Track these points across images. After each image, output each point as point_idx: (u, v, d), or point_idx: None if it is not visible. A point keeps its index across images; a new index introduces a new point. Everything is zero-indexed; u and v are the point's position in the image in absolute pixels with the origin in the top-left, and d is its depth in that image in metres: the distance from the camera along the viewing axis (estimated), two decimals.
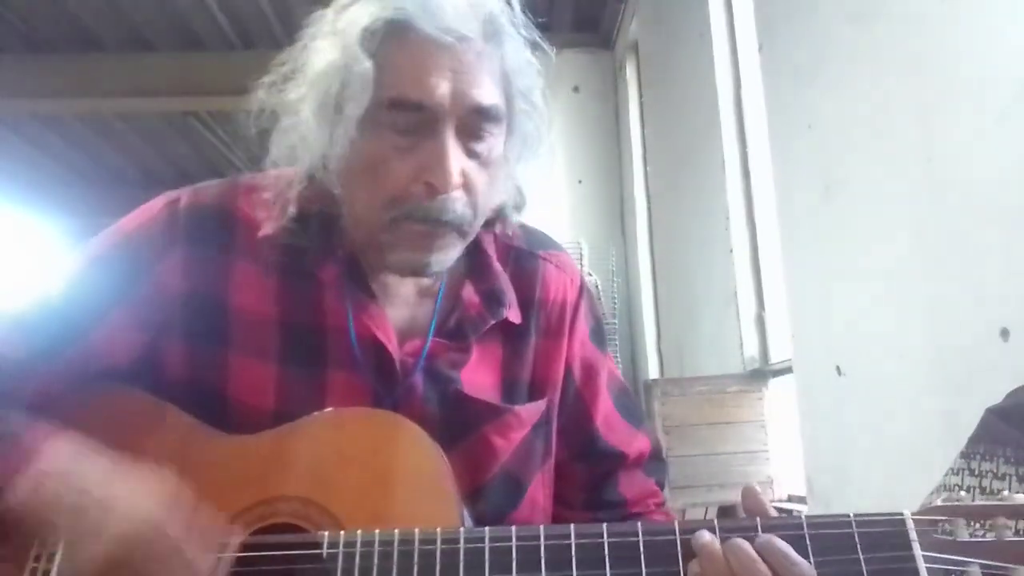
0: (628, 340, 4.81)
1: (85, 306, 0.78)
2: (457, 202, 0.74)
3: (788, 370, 2.65)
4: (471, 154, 0.75)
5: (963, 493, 0.65)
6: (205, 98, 5.46)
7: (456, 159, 0.73)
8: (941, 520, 0.64)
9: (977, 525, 0.63)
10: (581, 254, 4.58)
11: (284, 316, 0.80)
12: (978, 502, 0.64)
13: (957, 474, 1.02)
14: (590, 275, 4.56)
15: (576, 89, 5.11)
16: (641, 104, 4.75)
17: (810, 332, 2.43)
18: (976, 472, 1.00)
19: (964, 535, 0.63)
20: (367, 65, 0.71)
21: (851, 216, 2.10)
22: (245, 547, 0.69)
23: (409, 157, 0.73)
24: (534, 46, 0.81)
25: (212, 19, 4.97)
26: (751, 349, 3.08)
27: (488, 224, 0.86)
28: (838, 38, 2.14)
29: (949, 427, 1.58)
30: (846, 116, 2.11)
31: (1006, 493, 0.64)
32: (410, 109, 0.72)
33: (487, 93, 0.74)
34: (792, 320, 2.55)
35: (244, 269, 0.80)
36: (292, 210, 0.79)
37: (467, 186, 0.75)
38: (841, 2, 2.12)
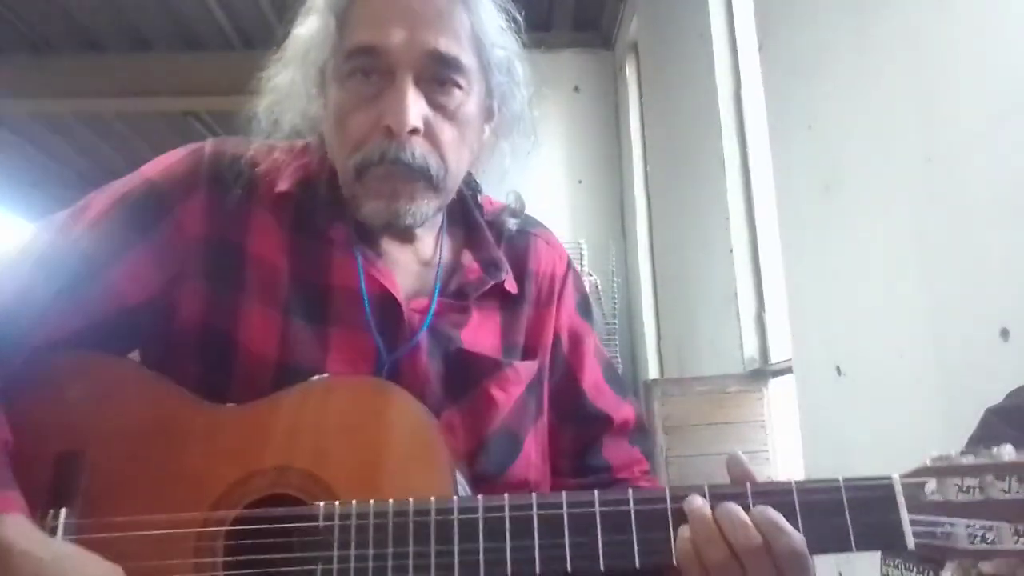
0: (628, 340, 4.81)
1: (106, 245, 0.79)
2: (417, 146, 0.76)
3: (788, 370, 2.65)
4: (436, 106, 0.78)
5: (953, 452, 0.66)
6: (205, 98, 5.45)
7: (414, 103, 0.75)
8: (929, 482, 0.64)
9: (966, 485, 0.63)
10: (581, 254, 4.58)
11: (293, 271, 0.82)
12: (967, 460, 0.64)
13: None
14: (590, 275, 4.56)
15: (576, 89, 5.11)
16: (641, 104, 4.75)
17: (810, 332, 2.43)
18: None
19: (953, 496, 0.63)
20: (331, 22, 0.77)
21: (851, 216, 2.10)
22: (240, 520, 0.70)
23: (372, 107, 0.77)
24: (514, 22, 0.84)
25: (212, 19, 4.97)
26: (751, 349, 3.08)
27: (479, 204, 0.92)
28: (838, 38, 2.14)
29: (949, 427, 1.58)
30: (846, 116, 2.11)
31: (995, 450, 0.64)
32: (367, 54, 0.76)
33: (446, 42, 0.77)
34: (792, 320, 2.55)
35: (262, 218, 0.83)
36: (302, 173, 0.84)
37: (430, 135, 0.78)
38: (841, 2, 2.12)
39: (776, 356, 2.95)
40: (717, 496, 0.66)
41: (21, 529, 0.65)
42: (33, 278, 0.77)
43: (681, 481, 2.89)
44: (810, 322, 2.42)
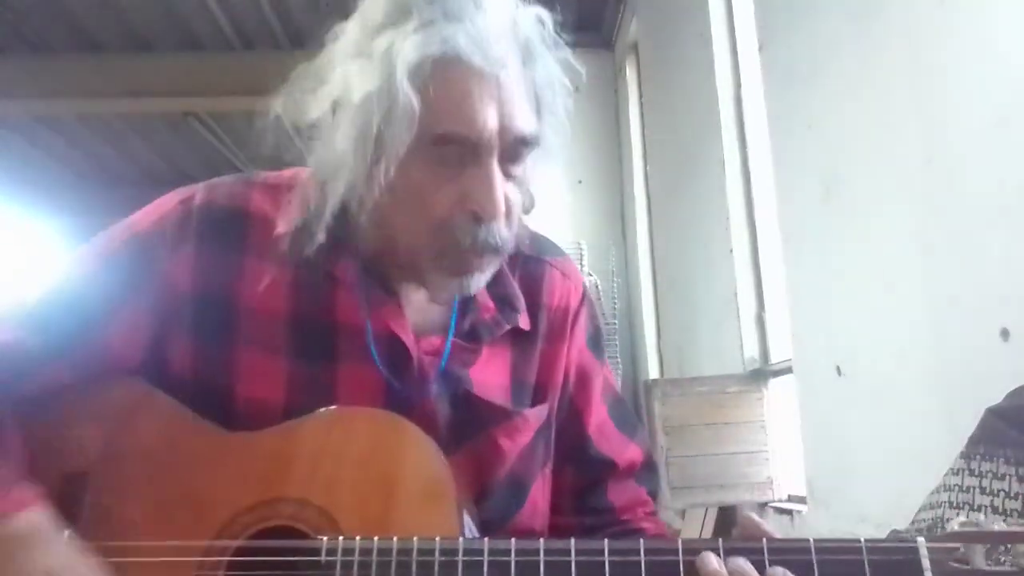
0: (628, 340, 4.81)
1: (97, 302, 0.78)
2: (502, 228, 0.74)
3: (788, 370, 2.65)
4: (509, 176, 0.75)
5: (982, 517, 0.63)
6: (205, 98, 5.46)
7: (501, 188, 0.73)
8: (957, 547, 0.61)
9: (997, 549, 0.61)
10: (581, 254, 4.58)
11: (295, 312, 0.80)
12: (997, 527, 0.61)
13: (957, 474, 1.02)
14: (590, 275, 4.56)
15: (576, 89, 5.10)
16: (641, 104, 4.75)
17: (810, 332, 2.43)
18: (976, 472, 1.00)
19: (982, 563, 0.60)
20: (415, 102, 0.69)
21: (851, 216, 2.10)
22: (243, 551, 0.70)
23: (452, 184, 0.73)
24: (565, 64, 0.81)
25: (212, 20, 4.98)
26: (751, 349, 3.08)
27: None
28: (838, 38, 2.14)
29: (949, 427, 1.58)
30: (846, 116, 2.11)
31: None
32: (458, 143, 0.72)
33: (528, 121, 0.74)
34: (792, 320, 2.55)
35: (256, 267, 0.80)
36: (310, 208, 0.79)
37: (508, 210, 0.75)
38: (841, 2, 2.12)
39: (776, 356, 2.95)
40: (731, 552, 0.64)
41: (32, 529, 0.67)
42: (26, 335, 0.75)
43: (681, 482, 2.89)
44: (810, 322, 2.42)
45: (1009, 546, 0.60)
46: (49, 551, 0.66)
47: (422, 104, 0.69)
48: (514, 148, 0.74)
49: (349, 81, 0.72)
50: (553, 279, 0.91)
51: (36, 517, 0.68)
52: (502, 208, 0.73)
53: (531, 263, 0.90)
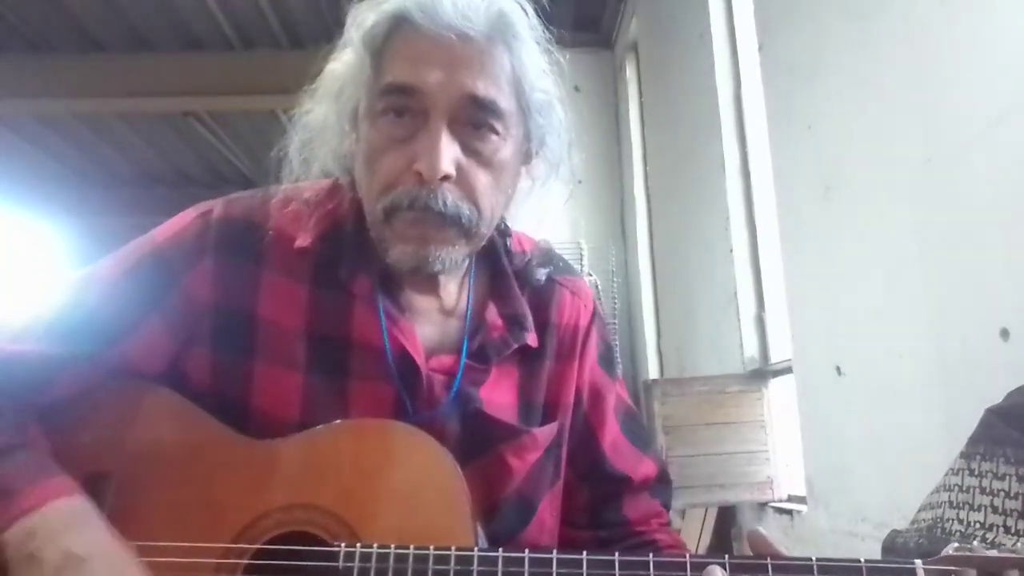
0: (628, 340, 4.81)
1: (118, 315, 0.79)
2: (448, 193, 0.74)
3: (788, 370, 2.65)
4: (470, 151, 0.75)
5: (976, 543, 0.65)
6: (205, 98, 5.46)
7: (447, 149, 0.73)
8: (953, 570, 0.63)
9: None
10: (581, 254, 4.58)
11: (311, 327, 0.81)
12: (991, 553, 0.64)
13: (957, 474, 1.02)
14: (590, 275, 4.56)
15: (576, 89, 5.11)
16: (641, 104, 4.75)
17: (810, 332, 2.43)
18: (976, 472, 1.00)
19: None
20: (367, 59, 0.75)
21: (851, 216, 2.10)
22: (261, 554, 0.71)
23: (404, 149, 0.75)
24: (550, 58, 0.81)
25: (212, 19, 4.97)
26: (751, 349, 3.08)
27: (509, 250, 0.89)
28: (838, 38, 2.14)
29: (949, 427, 1.58)
30: (846, 116, 2.11)
31: (1020, 546, 0.64)
32: (401, 93, 0.74)
33: (484, 86, 0.74)
34: (792, 320, 2.55)
35: (273, 280, 0.81)
36: (326, 223, 0.81)
37: (463, 181, 0.75)
38: (841, 2, 2.12)
39: (776, 356, 2.95)
40: (737, 568, 0.67)
41: (73, 514, 0.69)
42: (48, 346, 0.76)
43: (681, 481, 2.89)
44: (810, 322, 2.42)
45: (999, 571, 0.63)
46: (91, 536, 0.68)
47: (375, 62, 0.75)
48: (468, 113, 0.74)
49: (331, 65, 0.80)
50: (562, 298, 0.91)
51: (76, 502, 0.69)
52: (442, 167, 0.72)
53: (541, 283, 0.90)
